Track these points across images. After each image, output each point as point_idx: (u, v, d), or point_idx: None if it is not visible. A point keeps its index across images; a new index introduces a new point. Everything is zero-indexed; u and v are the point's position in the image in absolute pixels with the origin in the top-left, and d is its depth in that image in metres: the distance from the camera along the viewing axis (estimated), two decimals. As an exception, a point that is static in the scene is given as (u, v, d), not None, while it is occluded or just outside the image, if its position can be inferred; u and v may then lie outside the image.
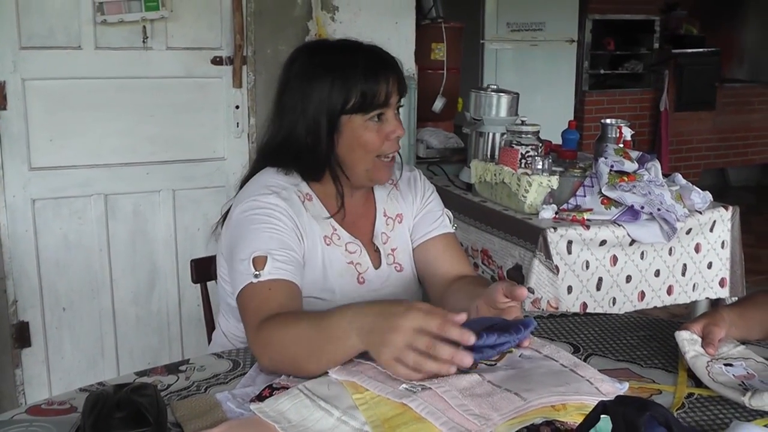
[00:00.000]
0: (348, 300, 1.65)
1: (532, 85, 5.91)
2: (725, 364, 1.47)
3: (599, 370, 1.39)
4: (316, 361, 1.36)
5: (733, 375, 1.43)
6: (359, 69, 1.69)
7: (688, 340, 1.51)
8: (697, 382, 1.43)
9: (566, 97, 6.30)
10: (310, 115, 1.72)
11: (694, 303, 3.16)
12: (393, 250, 1.87)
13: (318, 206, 1.78)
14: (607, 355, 1.58)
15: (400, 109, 1.82)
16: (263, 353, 1.45)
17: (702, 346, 1.51)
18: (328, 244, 1.76)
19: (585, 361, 1.50)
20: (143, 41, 3.23)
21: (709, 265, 3.08)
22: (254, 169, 1.84)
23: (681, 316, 4.09)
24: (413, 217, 1.94)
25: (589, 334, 1.69)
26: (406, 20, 3.69)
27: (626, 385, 1.35)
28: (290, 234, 1.66)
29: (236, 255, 1.63)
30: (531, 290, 2.67)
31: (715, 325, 1.55)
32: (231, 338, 1.85)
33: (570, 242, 2.73)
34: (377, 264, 1.83)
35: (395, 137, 1.75)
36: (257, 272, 1.56)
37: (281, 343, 1.42)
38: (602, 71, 7.07)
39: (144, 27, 3.21)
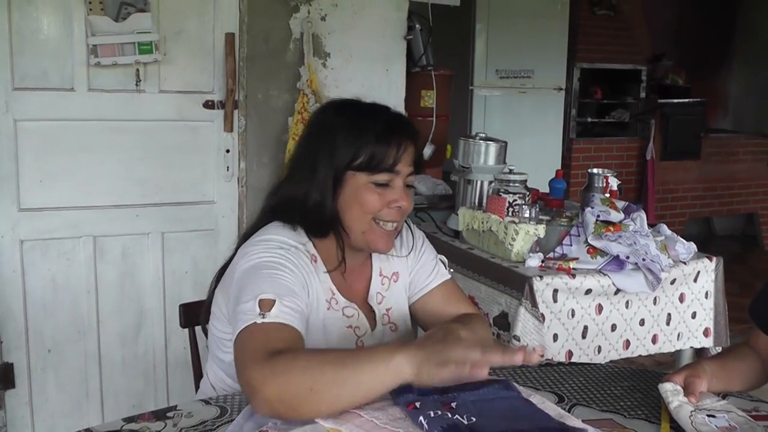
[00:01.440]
0: None
1: (521, 131, 5.97)
2: (708, 415, 1.49)
3: (583, 421, 1.40)
4: (340, 389, 1.34)
5: (716, 426, 1.45)
6: (375, 128, 1.71)
7: (671, 391, 1.53)
8: (679, 434, 1.45)
9: (554, 144, 6.37)
10: (320, 164, 1.72)
11: (678, 352, 3.18)
12: (388, 310, 1.87)
13: (321, 268, 1.76)
14: (591, 405, 1.59)
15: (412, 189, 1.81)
16: (272, 382, 1.35)
17: (684, 396, 1.54)
18: (328, 309, 1.75)
19: (569, 411, 1.52)
20: (136, 84, 3.26)
21: (693, 315, 3.10)
22: (260, 221, 1.82)
23: (666, 364, 4.10)
24: (409, 274, 1.93)
25: (574, 384, 1.71)
26: (396, 67, 3.74)
27: (610, 436, 1.37)
28: (298, 284, 1.63)
29: (241, 298, 1.58)
30: (517, 338, 2.68)
31: (696, 377, 1.58)
32: (219, 391, 1.83)
33: (556, 290, 2.75)
34: (373, 325, 1.82)
35: (396, 206, 1.73)
36: (263, 313, 1.51)
37: (301, 371, 1.36)
38: (589, 119, 7.14)
39: (137, 70, 3.24)
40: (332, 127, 1.75)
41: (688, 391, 1.55)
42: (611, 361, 2.90)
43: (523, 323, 2.69)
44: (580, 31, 6.80)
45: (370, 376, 1.34)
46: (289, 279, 1.61)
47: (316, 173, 1.72)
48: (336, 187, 1.72)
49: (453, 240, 3.26)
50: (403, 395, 1.35)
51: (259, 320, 1.50)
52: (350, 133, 1.71)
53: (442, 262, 1.99)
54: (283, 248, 1.68)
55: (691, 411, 1.49)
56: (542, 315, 2.71)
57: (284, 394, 1.34)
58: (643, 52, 7.38)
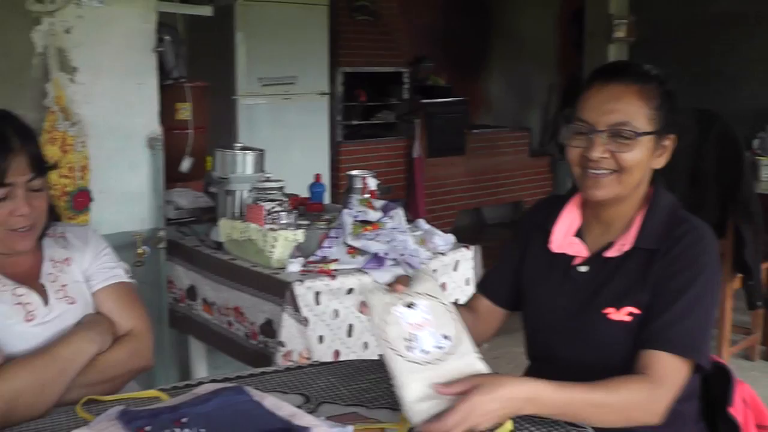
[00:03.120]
0: (18, 339, 1.86)
1: (288, 138, 5.99)
2: (408, 305, 1.53)
3: (328, 417, 1.43)
4: (59, 390, 1.79)
5: (408, 323, 1.51)
6: None
7: (373, 292, 1.58)
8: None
9: (322, 149, 6.43)
10: None
11: (444, 336, 3.31)
12: (63, 286, 2.03)
13: None
14: (336, 401, 1.63)
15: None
16: None
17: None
18: None
19: (316, 408, 1.55)
20: None
21: (456, 302, 3.23)
22: None
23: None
24: (86, 264, 2.10)
25: (321, 383, 1.74)
26: (148, 81, 3.64)
27: (350, 428, 1.40)
28: None
29: None
30: (282, 344, 2.70)
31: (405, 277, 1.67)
32: None
33: (318, 293, 2.78)
34: (46, 300, 1.97)
35: (18, 214, 1.89)
36: None
37: (24, 382, 1.73)
38: (355, 122, 7.27)
39: None
40: None
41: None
42: (380, 355, 2.97)
43: (287, 329, 2.71)
44: (341, 36, 6.91)
45: (76, 362, 1.84)
46: None
47: None
48: None
49: (215, 252, 3.22)
50: (133, 421, 1.33)
51: None
52: None
53: (124, 269, 2.17)
54: None
55: (391, 307, 1.52)
56: (305, 318, 2.74)
57: (16, 406, 1.70)
58: (404, 55, 7.60)
